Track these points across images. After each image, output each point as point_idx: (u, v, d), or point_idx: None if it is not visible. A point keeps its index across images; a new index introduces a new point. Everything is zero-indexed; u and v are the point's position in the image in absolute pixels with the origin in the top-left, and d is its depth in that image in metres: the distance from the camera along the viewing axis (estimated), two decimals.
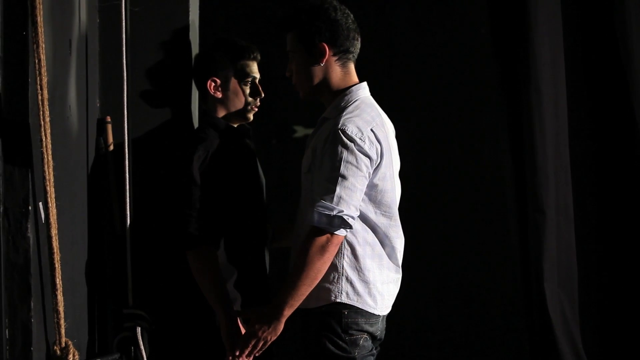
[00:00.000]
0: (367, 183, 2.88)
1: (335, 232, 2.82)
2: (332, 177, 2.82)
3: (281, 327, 2.89)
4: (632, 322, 3.81)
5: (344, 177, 2.82)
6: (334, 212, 2.80)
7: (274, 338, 2.91)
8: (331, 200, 2.81)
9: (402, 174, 3.11)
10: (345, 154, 2.84)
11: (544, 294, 3.65)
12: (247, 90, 3.24)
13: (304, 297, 2.86)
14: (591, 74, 3.82)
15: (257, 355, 2.94)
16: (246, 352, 2.91)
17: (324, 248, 2.83)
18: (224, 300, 3.03)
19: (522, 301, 3.76)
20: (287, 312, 2.87)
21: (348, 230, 2.87)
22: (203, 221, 3.04)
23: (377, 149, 2.90)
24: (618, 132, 3.79)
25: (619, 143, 3.79)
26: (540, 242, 3.66)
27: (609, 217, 3.84)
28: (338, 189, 2.81)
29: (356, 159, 2.84)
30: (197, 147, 3.12)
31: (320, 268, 2.85)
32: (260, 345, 2.91)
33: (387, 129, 3.03)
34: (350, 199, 2.82)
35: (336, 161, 2.83)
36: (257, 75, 3.26)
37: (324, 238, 2.82)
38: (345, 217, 2.81)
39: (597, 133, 3.83)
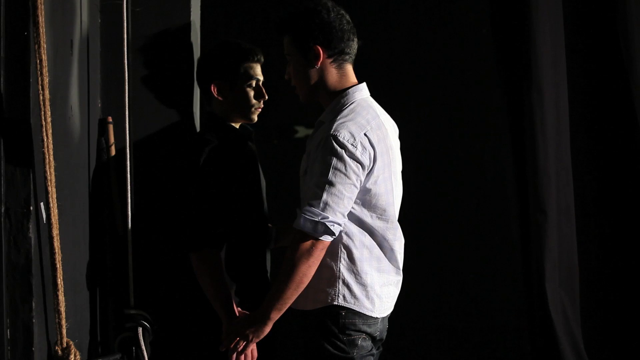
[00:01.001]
0: (356, 190, 2.88)
1: (320, 238, 2.83)
2: (320, 183, 2.83)
3: (266, 329, 2.91)
4: (633, 322, 3.81)
5: (331, 184, 2.82)
6: (319, 218, 2.81)
7: (256, 340, 2.93)
8: (317, 206, 2.81)
9: (403, 175, 3.11)
10: (334, 160, 2.84)
11: (545, 293, 3.66)
12: (251, 93, 3.24)
13: (291, 300, 2.88)
14: (593, 74, 3.82)
15: (239, 353, 2.95)
16: (226, 346, 2.94)
17: (309, 252, 2.83)
18: (226, 301, 3.04)
19: (524, 301, 3.76)
20: (274, 316, 2.89)
21: (343, 233, 2.88)
22: (207, 223, 3.04)
23: (369, 154, 2.89)
24: (619, 133, 3.79)
25: (620, 143, 3.80)
26: (542, 242, 3.66)
27: (610, 217, 3.84)
28: (325, 196, 2.82)
29: (345, 167, 2.84)
30: (203, 149, 3.12)
31: (305, 272, 2.85)
32: (242, 344, 2.93)
33: (386, 130, 3.02)
34: (336, 205, 2.83)
35: (325, 167, 2.83)
36: (261, 78, 3.26)
37: (308, 243, 2.83)
38: (328, 223, 2.81)
39: (599, 134, 3.84)
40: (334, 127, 2.87)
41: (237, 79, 3.21)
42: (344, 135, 2.85)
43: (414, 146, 4.71)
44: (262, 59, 3.27)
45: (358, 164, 2.86)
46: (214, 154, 3.11)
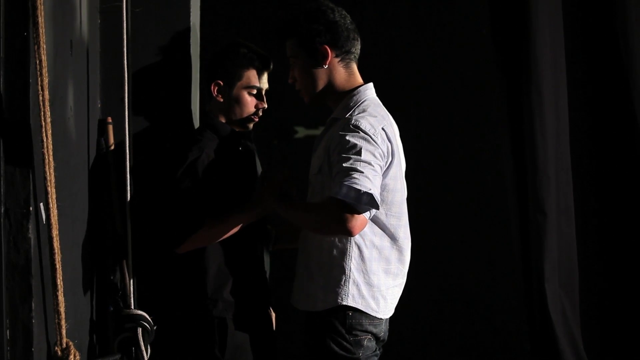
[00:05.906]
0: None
1: (361, 212, 2.75)
2: (356, 162, 2.77)
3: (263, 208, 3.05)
4: (633, 322, 3.81)
5: (367, 163, 2.78)
6: (363, 189, 2.71)
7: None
8: (359, 179, 2.73)
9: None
10: (364, 143, 2.82)
11: (544, 294, 3.65)
12: (249, 99, 3.20)
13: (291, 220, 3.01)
14: (592, 74, 3.82)
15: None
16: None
17: (341, 226, 2.75)
18: (241, 211, 3.06)
19: (523, 301, 3.76)
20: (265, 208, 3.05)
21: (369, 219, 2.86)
22: (190, 220, 3.03)
23: (388, 147, 2.90)
24: (619, 133, 3.79)
25: (620, 144, 3.80)
26: (542, 243, 3.66)
27: (610, 217, 3.84)
28: (365, 171, 2.75)
29: (374, 149, 2.83)
30: (191, 148, 3.11)
31: (322, 234, 2.90)
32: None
33: (395, 129, 3.03)
34: (376, 181, 2.78)
35: (357, 150, 2.80)
36: (265, 86, 3.22)
37: (345, 215, 2.73)
38: (374, 195, 2.73)
39: (598, 134, 3.84)
40: (354, 118, 2.88)
41: (239, 83, 3.19)
42: (365, 125, 2.86)
43: (414, 146, 4.71)
44: (271, 67, 3.22)
45: (382, 152, 2.85)
46: (202, 151, 3.09)
